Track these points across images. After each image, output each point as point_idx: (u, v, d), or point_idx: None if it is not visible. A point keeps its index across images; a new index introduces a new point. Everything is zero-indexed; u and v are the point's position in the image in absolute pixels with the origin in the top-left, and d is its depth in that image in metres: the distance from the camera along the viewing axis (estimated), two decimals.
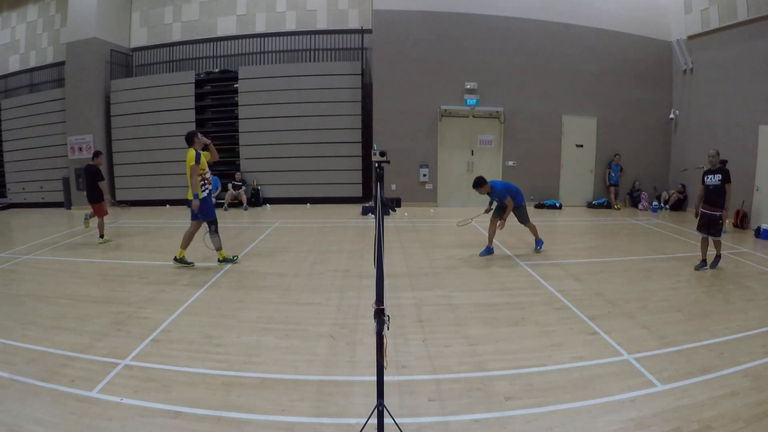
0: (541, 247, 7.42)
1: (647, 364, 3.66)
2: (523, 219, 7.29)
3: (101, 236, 8.30)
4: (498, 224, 7.15)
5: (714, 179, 6.31)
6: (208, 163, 6.56)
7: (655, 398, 3.17)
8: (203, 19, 13.85)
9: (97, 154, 8.65)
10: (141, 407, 3.08)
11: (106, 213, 8.54)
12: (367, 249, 7.42)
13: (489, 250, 7.20)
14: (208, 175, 6.51)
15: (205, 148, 6.51)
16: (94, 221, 8.73)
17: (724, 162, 6.49)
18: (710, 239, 6.46)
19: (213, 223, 6.52)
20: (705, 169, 6.52)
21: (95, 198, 8.36)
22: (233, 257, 6.74)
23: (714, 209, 6.38)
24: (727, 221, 6.31)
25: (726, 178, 6.23)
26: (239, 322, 4.60)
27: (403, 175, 12.18)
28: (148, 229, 9.91)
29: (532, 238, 7.55)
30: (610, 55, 12.40)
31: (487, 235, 7.33)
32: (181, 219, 11.05)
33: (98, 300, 5.28)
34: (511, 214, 7.13)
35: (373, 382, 2.74)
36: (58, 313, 4.83)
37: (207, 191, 6.46)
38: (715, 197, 6.34)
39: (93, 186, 8.33)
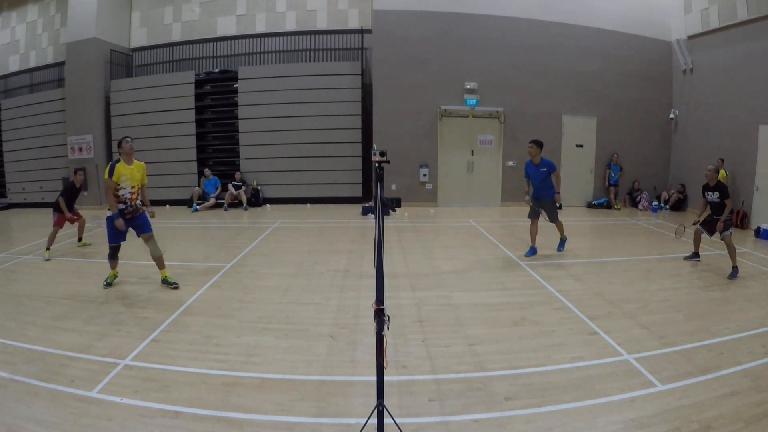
0: (562, 249, 7.42)
1: (647, 364, 3.66)
2: (553, 216, 7.23)
3: (47, 249, 7.54)
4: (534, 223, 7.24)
5: (713, 197, 6.40)
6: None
7: (655, 398, 3.17)
8: (203, 19, 13.84)
9: (75, 171, 8.20)
10: (141, 407, 3.08)
11: (60, 226, 7.82)
12: (367, 249, 7.41)
13: (533, 251, 7.19)
14: (121, 192, 5.52)
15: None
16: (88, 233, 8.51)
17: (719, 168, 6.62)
18: (704, 236, 6.64)
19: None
20: (703, 184, 6.57)
21: (57, 208, 7.80)
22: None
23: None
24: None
25: (725, 194, 6.31)
26: (239, 322, 4.61)
27: (403, 175, 12.17)
28: None
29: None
30: (610, 55, 12.39)
31: (530, 236, 7.26)
32: (181, 219, 11.05)
33: (98, 300, 5.28)
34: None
35: (373, 382, 2.74)
36: (58, 313, 4.83)
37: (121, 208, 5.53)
38: (716, 212, 6.44)
39: (65, 198, 7.85)
